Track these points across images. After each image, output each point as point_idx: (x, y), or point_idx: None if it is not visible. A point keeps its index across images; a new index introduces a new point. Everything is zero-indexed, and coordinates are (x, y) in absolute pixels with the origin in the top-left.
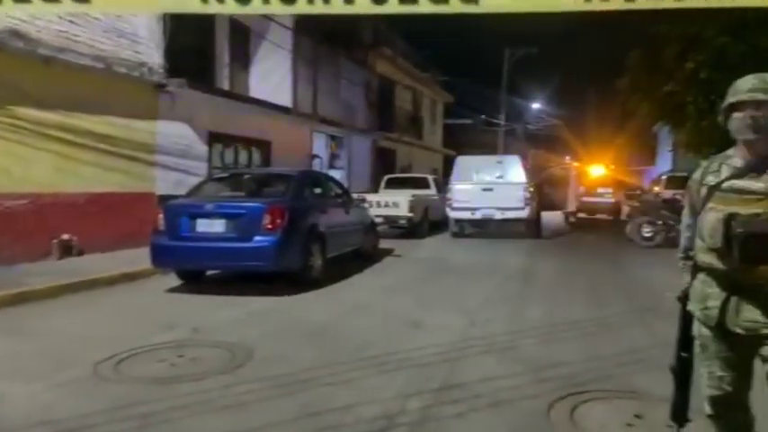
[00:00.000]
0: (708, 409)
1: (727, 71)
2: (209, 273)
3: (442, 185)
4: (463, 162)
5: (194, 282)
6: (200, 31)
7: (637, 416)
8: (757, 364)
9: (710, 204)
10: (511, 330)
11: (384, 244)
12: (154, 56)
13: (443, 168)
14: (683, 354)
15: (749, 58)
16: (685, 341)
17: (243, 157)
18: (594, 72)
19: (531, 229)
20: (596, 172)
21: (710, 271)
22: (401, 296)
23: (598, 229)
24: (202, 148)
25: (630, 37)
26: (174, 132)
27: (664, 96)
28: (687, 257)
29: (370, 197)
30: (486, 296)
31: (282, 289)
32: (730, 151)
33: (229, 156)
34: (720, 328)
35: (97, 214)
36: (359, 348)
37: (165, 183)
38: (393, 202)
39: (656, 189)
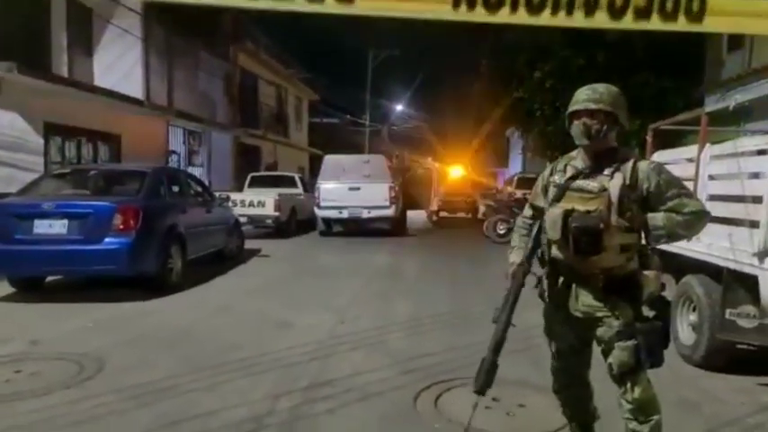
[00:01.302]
0: (553, 386)
1: (569, 81)
2: (50, 279)
3: (309, 184)
4: (330, 161)
5: (31, 290)
6: (32, 11)
7: (494, 399)
8: (594, 343)
9: (555, 201)
10: (379, 326)
11: (250, 244)
12: None
13: (310, 167)
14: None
15: (587, 70)
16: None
17: (88, 151)
18: (454, 76)
19: (397, 227)
20: (456, 173)
21: (554, 261)
22: (268, 297)
23: (458, 226)
24: (37, 141)
25: (487, 43)
26: (1, 122)
27: (514, 102)
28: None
29: (235, 196)
30: (354, 294)
31: (138, 294)
32: (574, 153)
33: (71, 150)
34: (565, 312)
35: None
36: (224, 352)
37: None
38: (259, 202)
39: (509, 189)
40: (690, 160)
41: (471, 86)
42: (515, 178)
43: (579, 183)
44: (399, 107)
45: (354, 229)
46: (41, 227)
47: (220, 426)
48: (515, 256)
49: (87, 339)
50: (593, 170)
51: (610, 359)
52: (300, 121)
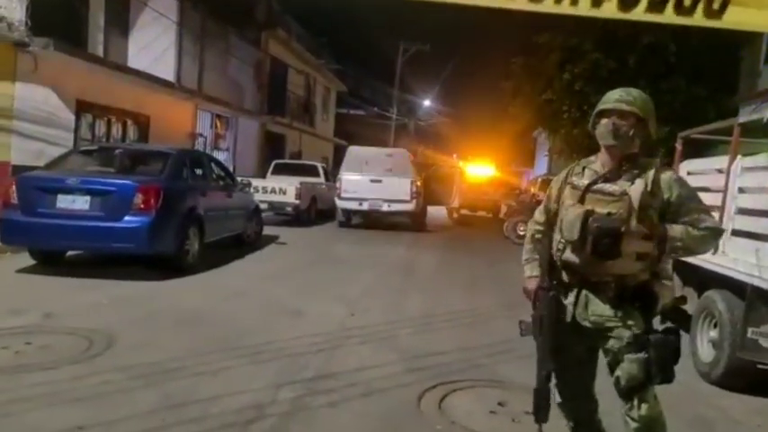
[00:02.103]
0: (557, 397)
1: (599, 84)
2: (71, 254)
3: (332, 174)
4: (354, 153)
5: (51, 263)
6: None
7: (500, 403)
8: (602, 354)
9: (570, 201)
10: (389, 320)
11: (269, 231)
12: (15, 10)
13: (334, 157)
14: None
15: (617, 74)
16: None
17: (117, 130)
18: (482, 74)
19: (417, 222)
20: (479, 171)
21: (566, 266)
22: (282, 284)
23: (478, 225)
24: (68, 117)
25: (516, 42)
26: (35, 97)
27: (542, 103)
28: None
29: (257, 182)
30: (367, 286)
31: (154, 274)
32: (593, 157)
33: (101, 128)
34: (573, 321)
35: None
36: (233, 337)
37: (24, 152)
38: (280, 189)
39: (532, 190)
40: (720, 171)
41: (499, 85)
42: (539, 180)
43: (599, 186)
44: (426, 102)
45: (374, 221)
46: (64, 201)
47: (221, 412)
48: (531, 270)
49: (100, 315)
50: (614, 174)
51: (618, 372)
52: (327, 111)
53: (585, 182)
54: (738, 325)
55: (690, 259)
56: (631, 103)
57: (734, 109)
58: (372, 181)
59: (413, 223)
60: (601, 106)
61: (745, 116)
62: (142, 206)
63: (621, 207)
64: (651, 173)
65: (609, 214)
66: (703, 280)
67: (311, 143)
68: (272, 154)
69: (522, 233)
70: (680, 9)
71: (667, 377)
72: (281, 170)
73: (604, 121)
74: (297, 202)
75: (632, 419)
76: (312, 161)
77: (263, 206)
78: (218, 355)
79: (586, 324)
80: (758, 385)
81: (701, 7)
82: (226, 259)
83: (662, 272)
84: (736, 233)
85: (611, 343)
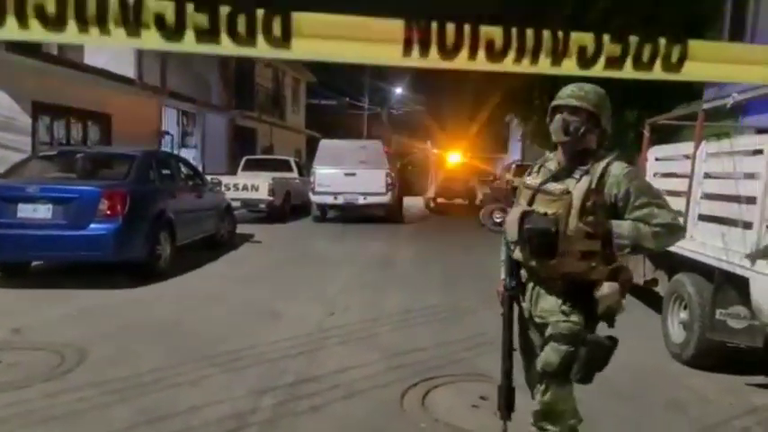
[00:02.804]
0: (532, 394)
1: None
2: (35, 264)
3: (306, 168)
4: (326, 146)
5: (16, 275)
6: None
7: (482, 397)
8: None
9: (522, 201)
10: (369, 318)
11: (242, 229)
12: None
13: (307, 150)
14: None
15: None
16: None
17: (77, 131)
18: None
19: (393, 213)
20: (454, 159)
21: (520, 264)
22: (258, 286)
23: (455, 213)
24: (25, 121)
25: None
26: None
27: (513, 90)
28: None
29: (227, 179)
30: (346, 283)
31: (125, 282)
32: (551, 155)
33: (60, 130)
34: (530, 318)
35: None
36: (209, 344)
37: None
38: (252, 185)
39: (507, 177)
40: (687, 157)
41: (471, 72)
42: (513, 166)
43: (547, 185)
44: (399, 90)
45: (350, 215)
46: (25, 211)
47: (202, 423)
48: (504, 271)
49: (70, 328)
50: (564, 172)
51: (541, 355)
52: (298, 102)
53: (539, 181)
54: (707, 307)
55: None
56: (582, 98)
57: (699, 92)
58: (346, 174)
59: (390, 215)
60: (554, 102)
61: (709, 97)
62: (108, 212)
63: (561, 206)
64: (600, 167)
65: (545, 214)
66: (673, 264)
67: (283, 136)
68: (243, 149)
69: (498, 220)
70: (638, 64)
71: (588, 378)
72: (253, 166)
73: (557, 117)
74: (270, 198)
75: (537, 402)
76: (284, 155)
77: (235, 204)
78: (196, 365)
79: (537, 320)
80: (727, 363)
81: (659, 63)
82: (199, 262)
83: (620, 274)
84: (702, 218)
85: (548, 330)
